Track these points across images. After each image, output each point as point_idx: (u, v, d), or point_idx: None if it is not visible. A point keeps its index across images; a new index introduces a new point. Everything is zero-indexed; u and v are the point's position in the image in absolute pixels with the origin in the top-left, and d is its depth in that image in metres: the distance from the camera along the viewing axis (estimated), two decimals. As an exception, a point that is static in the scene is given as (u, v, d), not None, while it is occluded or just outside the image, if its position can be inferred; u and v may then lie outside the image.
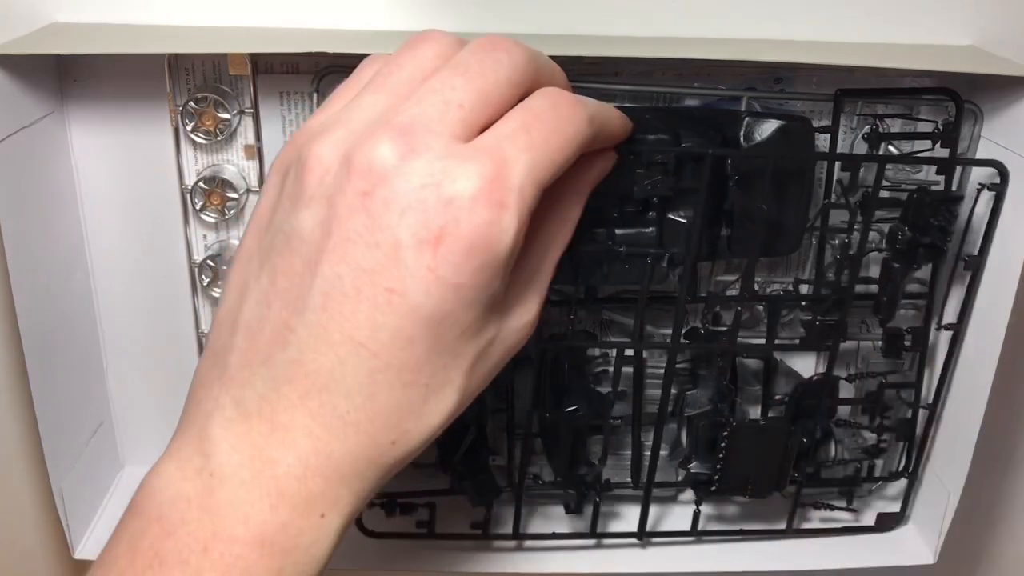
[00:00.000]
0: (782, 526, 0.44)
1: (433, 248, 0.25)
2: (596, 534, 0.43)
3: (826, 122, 0.39)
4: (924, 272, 0.41)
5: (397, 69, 0.28)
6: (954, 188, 0.39)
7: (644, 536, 0.43)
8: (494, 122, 0.27)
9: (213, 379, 0.27)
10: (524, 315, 0.29)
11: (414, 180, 0.25)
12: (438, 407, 0.27)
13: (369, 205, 0.25)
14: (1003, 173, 0.37)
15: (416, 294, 0.25)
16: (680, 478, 0.44)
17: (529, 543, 0.44)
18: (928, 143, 0.40)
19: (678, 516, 0.45)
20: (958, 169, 0.39)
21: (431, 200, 0.25)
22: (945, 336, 0.41)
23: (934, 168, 0.39)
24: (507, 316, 0.29)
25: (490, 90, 0.27)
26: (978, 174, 0.39)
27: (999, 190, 0.38)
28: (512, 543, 0.44)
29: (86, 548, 0.41)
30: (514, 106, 0.27)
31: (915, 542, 0.44)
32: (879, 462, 0.44)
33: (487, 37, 0.28)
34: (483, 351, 0.28)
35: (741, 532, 0.44)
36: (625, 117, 0.32)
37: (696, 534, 0.44)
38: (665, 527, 0.44)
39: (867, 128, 0.40)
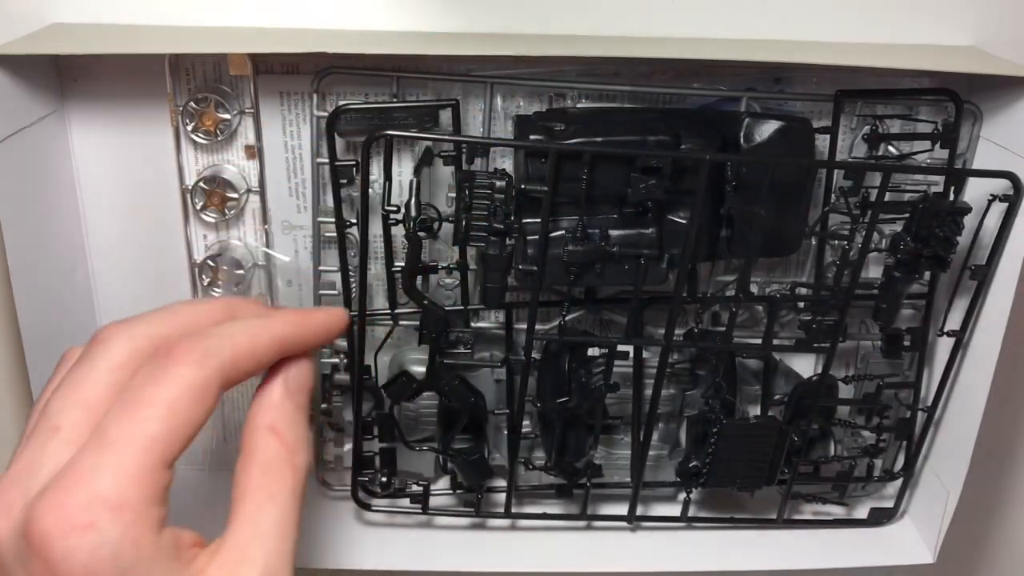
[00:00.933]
0: (773, 516, 0.44)
1: None
2: (587, 516, 0.44)
3: (826, 122, 0.39)
4: (925, 274, 0.41)
5: (28, 420, 0.27)
6: (957, 195, 0.38)
7: (634, 520, 0.43)
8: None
9: None
10: None
11: (8, 547, 0.24)
12: None
13: None
14: (1017, 185, 0.36)
15: None
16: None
17: (520, 523, 0.44)
18: (928, 143, 0.40)
19: (670, 508, 0.45)
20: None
21: (22, 555, 0.24)
22: (945, 338, 0.41)
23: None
24: None
25: (85, 394, 0.26)
26: (984, 179, 0.38)
27: (1012, 200, 0.37)
28: (504, 522, 0.44)
29: (86, 547, 0.41)
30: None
31: (914, 541, 0.44)
32: (878, 461, 0.44)
33: (93, 337, 0.27)
34: None
35: (731, 520, 0.45)
36: (316, 321, 0.30)
37: (686, 520, 0.44)
38: (656, 515, 0.44)
39: (867, 129, 0.40)
